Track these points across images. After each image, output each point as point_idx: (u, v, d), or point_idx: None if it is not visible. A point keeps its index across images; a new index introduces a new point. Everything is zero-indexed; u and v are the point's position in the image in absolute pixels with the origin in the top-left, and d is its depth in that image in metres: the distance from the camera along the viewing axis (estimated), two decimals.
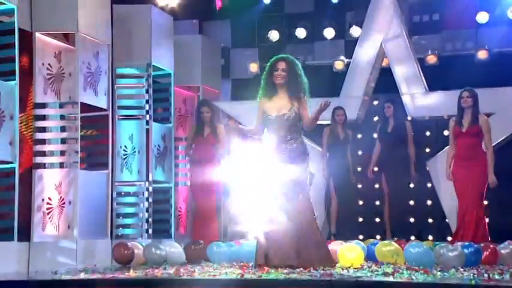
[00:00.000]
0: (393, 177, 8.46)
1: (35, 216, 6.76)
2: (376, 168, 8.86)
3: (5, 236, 6.08)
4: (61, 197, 6.87)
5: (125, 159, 8.01)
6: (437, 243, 6.30)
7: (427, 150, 9.23)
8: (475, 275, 4.66)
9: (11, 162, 6.16)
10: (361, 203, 9.56)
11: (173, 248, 6.18)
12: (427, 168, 8.69)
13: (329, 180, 8.71)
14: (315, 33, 10.27)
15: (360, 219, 9.58)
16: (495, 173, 7.15)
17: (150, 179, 8.02)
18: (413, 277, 4.42)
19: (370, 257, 5.98)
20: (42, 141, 6.94)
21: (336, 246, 5.84)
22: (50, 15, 6.89)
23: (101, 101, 7.32)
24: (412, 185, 8.93)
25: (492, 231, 7.23)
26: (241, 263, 5.64)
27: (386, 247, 5.82)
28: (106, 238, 7.28)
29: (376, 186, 9.40)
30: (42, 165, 6.91)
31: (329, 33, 10.08)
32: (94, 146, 7.56)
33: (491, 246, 5.89)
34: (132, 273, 5.05)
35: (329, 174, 8.71)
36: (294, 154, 5.15)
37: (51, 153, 6.98)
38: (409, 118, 8.77)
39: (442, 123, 8.65)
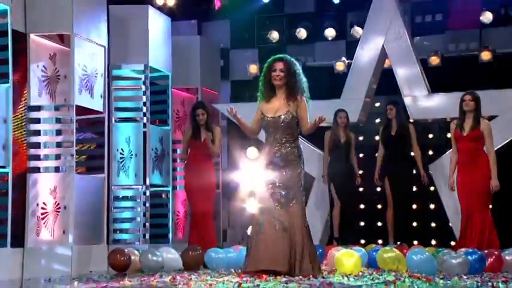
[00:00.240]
0: (396, 181, 8.37)
1: (29, 221, 6.70)
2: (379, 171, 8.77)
3: None
4: (56, 202, 6.81)
5: (121, 162, 7.94)
6: (440, 249, 6.23)
7: (430, 153, 9.17)
8: (479, 283, 4.60)
9: (4, 167, 6.08)
10: (362, 206, 9.50)
11: (170, 254, 6.12)
12: (430, 172, 8.62)
13: (329, 184, 8.63)
14: (315, 34, 10.24)
15: (362, 224, 9.52)
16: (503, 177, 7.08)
17: (147, 182, 7.96)
18: (415, 285, 4.36)
19: (371, 263, 5.91)
20: (37, 145, 6.87)
21: (335, 252, 5.77)
22: (44, 16, 6.83)
23: (96, 103, 7.26)
24: (415, 188, 8.85)
25: (503, 237, 7.12)
26: (240, 270, 5.57)
27: (387, 254, 5.76)
28: (102, 243, 7.20)
29: (378, 189, 9.33)
30: (37, 169, 6.84)
31: (330, 33, 10.04)
32: (90, 149, 7.49)
33: (496, 253, 5.81)
34: (127, 282, 4.99)
35: (330, 178, 8.63)
36: (288, 158, 5.06)
37: (46, 157, 6.91)
38: (411, 120, 8.71)
39: (445, 126, 8.58)
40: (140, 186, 7.95)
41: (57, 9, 6.85)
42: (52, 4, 6.85)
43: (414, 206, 9.07)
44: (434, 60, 9.30)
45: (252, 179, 5.25)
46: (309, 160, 8.84)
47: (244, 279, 4.86)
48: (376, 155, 8.58)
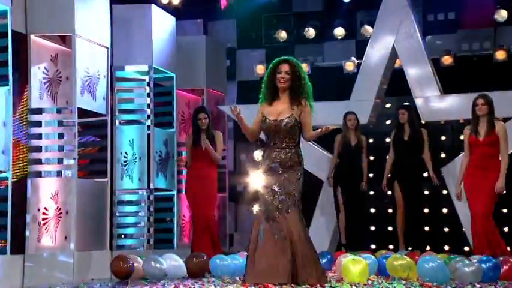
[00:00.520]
0: (407, 185, 8.28)
1: (30, 227, 6.66)
2: (389, 175, 8.70)
3: None
4: (58, 207, 6.76)
5: (125, 166, 7.92)
6: (452, 256, 6.14)
7: (443, 155, 9.08)
8: None
9: (4, 172, 6.05)
10: (373, 210, 9.42)
11: (174, 262, 6.07)
12: (442, 175, 8.53)
13: (336, 187, 8.56)
14: (324, 33, 10.20)
15: (372, 228, 9.44)
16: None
17: (152, 186, 7.92)
18: None
19: (381, 271, 5.84)
20: (38, 149, 6.84)
21: (343, 259, 5.70)
22: (45, 16, 6.79)
23: (99, 106, 7.22)
24: (427, 192, 8.77)
25: None
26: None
27: (398, 261, 5.68)
28: (105, 250, 7.16)
29: (389, 192, 9.25)
30: (38, 174, 6.80)
31: (339, 32, 9.98)
32: (92, 153, 7.45)
33: (511, 260, 5.72)
34: None
35: (337, 181, 8.55)
36: (287, 164, 5.00)
37: (48, 161, 6.88)
38: (422, 122, 8.61)
39: (458, 128, 8.50)
40: (144, 191, 7.90)
41: (58, 10, 6.82)
42: (53, 4, 6.81)
43: (426, 210, 8.98)
44: (447, 60, 9.23)
45: (258, 182, 5.18)
46: (319, 164, 8.84)
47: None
48: (387, 157, 8.49)
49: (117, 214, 7.82)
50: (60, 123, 6.94)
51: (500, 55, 9.00)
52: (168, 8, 9.17)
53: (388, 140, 9.29)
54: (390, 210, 9.37)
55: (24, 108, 6.73)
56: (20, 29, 6.71)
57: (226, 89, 9.87)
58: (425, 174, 8.38)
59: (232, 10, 10.18)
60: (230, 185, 9.63)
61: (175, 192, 8.40)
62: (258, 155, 9.55)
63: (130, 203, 7.96)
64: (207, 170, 7.86)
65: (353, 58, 9.65)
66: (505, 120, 7.73)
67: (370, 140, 9.30)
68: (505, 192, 6.94)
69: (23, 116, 6.72)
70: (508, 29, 9.45)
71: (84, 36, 6.96)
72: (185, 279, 5.93)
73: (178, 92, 8.76)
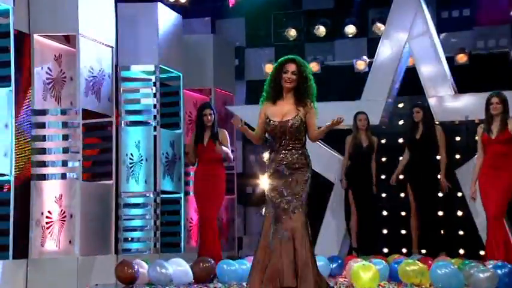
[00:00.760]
0: (421, 187, 8.20)
1: (34, 231, 6.65)
2: (401, 176, 8.63)
3: (0, 254, 5.95)
4: (62, 210, 6.75)
5: (131, 168, 7.89)
6: (466, 261, 6.07)
7: (457, 156, 8.98)
8: None
9: (6, 175, 6.03)
10: (385, 213, 9.35)
11: (179, 267, 6.03)
12: (457, 176, 8.45)
13: (348, 190, 8.49)
14: (335, 31, 10.15)
15: (385, 231, 9.37)
16: None
17: (158, 189, 7.88)
18: None
19: (392, 276, 5.77)
20: (41, 151, 6.82)
21: (353, 264, 5.64)
22: (49, 15, 6.79)
23: (104, 106, 7.19)
24: (440, 194, 8.67)
25: None
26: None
27: (410, 266, 5.62)
28: (110, 254, 7.14)
29: (402, 195, 9.18)
30: (42, 177, 6.79)
31: (350, 30, 9.92)
32: (97, 155, 7.43)
33: None
34: None
35: (348, 184, 8.49)
36: (294, 166, 4.94)
37: (51, 164, 6.86)
38: (436, 122, 8.53)
39: (473, 128, 8.40)
40: (150, 193, 7.88)
41: (62, 8, 6.82)
42: (57, 3, 6.82)
43: (440, 213, 8.87)
44: (462, 58, 9.15)
45: (265, 186, 5.13)
46: (329, 165, 8.79)
47: None
48: (400, 158, 8.41)
49: (123, 217, 7.78)
50: (64, 124, 6.92)
51: None
52: (175, 6, 9.14)
53: (401, 140, 9.21)
54: (403, 213, 9.27)
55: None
56: (23, 28, 6.71)
57: (235, 89, 9.82)
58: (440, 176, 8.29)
59: (241, 8, 10.13)
60: (238, 186, 9.58)
61: (182, 195, 8.36)
62: (266, 156, 9.51)
63: (136, 205, 7.94)
64: (214, 169, 7.72)
65: (364, 57, 9.58)
66: None
67: (383, 141, 9.22)
68: None
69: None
70: None
71: (88, 36, 6.94)
72: (191, 285, 5.88)
73: (186, 92, 8.72)
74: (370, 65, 9.24)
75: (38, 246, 6.66)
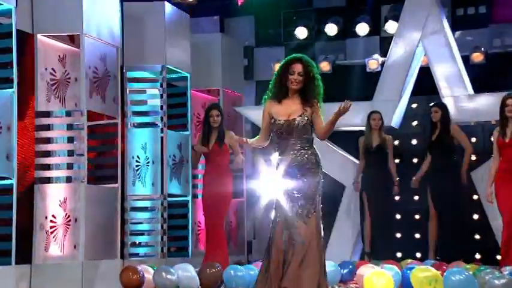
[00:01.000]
0: (435, 190, 8.10)
1: (37, 235, 6.64)
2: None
3: (2, 259, 5.94)
4: (66, 214, 6.74)
5: (137, 170, 7.88)
6: (482, 267, 6.00)
7: (473, 158, 8.90)
8: None
9: (9, 178, 6.03)
10: (399, 217, 9.29)
11: (186, 272, 6.01)
12: (473, 179, 8.37)
13: (362, 192, 8.43)
14: (346, 30, 10.07)
15: (398, 235, 9.30)
16: None
17: (165, 192, 7.86)
18: None
19: (405, 283, 5.71)
20: (45, 154, 6.82)
21: (366, 271, 5.59)
22: (52, 15, 6.78)
23: (109, 108, 7.18)
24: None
25: None
26: None
27: (423, 273, 5.55)
28: (116, 259, 7.12)
29: (416, 197, 9.11)
30: (45, 180, 6.78)
31: (362, 29, 9.85)
32: (102, 157, 7.41)
33: None
34: None
35: (362, 186, 8.42)
36: (305, 166, 4.87)
37: (55, 167, 6.85)
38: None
39: (489, 129, 8.33)
40: (157, 196, 7.85)
41: (66, 8, 6.80)
42: (60, 2, 6.81)
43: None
44: (477, 57, 9.07)
45: (274, 189, 5.07)
46: (341, 168, 8.74)
47: None
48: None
49: (130, 221, 7.77)
50: (69, 126, 6.91)
51: None
52: (182, 5, 9.12)
53: (414, 142, 9.14)
54: (417, 216, 9.22)
55: None
56: (26, 28, 6.71)
57: (244, 89, 9.78)
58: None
59: (250, 6, 10.10)
60: (248, 189, 9.53)
61: (189, 198, 8.33)
62: (275, 157, 9.46)
63: (142, 209, 7.92)
64: (221, 174, 7.66)
65: (377, 56, 9.52)
66: None
67: (396, 142, 9.17)
68: None
69: None
70: None
71: (93, 35, 6.92)
72: None
73: (193, 92, 8.70)
74: (382, 64, 9.18)
75: (42, 251, 6.65)
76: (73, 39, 7.01)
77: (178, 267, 6.13)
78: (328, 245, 8.44)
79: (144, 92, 8.06)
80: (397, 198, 9.01)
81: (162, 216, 7.85)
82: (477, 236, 9.01)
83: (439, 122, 8.09)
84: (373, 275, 5.30)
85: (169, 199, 7.99)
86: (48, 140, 6.88)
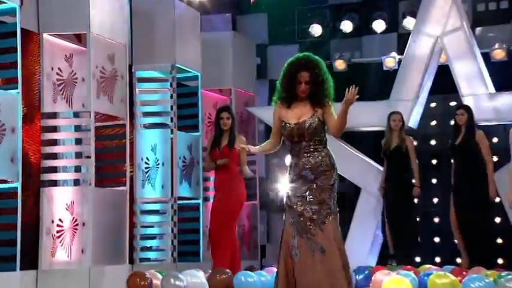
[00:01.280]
0: (458, 195, 7.98)
1: (44, 240, 6.62)
2: (434, 181, 8.46)
3: (7, 265, 5.93)
4: (73, 218, 6.73)
5: (147, 173, 7.86)
6: (503, 274, 5.90)
7: (495, 159, 8.79)
8: None
9: (13, 182, 6.01)
10: (417, 220, 9.19)
11: (195, 279, 5.97)
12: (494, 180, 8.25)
13: (384, 197, 8.32)
14: (362, 27, 10.02)
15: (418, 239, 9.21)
16: None
17: (175, 194, 7.82)
18: None
19: None
20: (51, 156, 6.80)
21: (382, 277, 5.52)
22: (59, 13, 6.76)
23: (117, 109, 7.15)
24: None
25: None
26: None
27: (440, 279, 5.47)
28: (124, 264, 7.09)
29: (435, 200, 9.02)
30: (52, 183, 6.76)
31: (379, 26, 9.79)
32: (110, 159, 7.39)
33: None
34: None
35: (384, 189, 8.33)
36: (319, 169, 4.81)
37: (62, 169, 6.83)
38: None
39: None
40: (167, 199, 7.82)
41: (72, 6, 6.77)
42: (67, 0, 6.76)
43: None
44: (499, 54, 8.97)
45: (286, 192, 5.01)
46: (356, 170, 8.67)
47: None
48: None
49: (139, 225, 7.74)
50: (77, 128, 6.88)
51: None
52: (193, 3, 9.09)
53: (433, 142, 9.05)
54: (437, 220, 9.13)
55: None
56: (31, 27, 6.70)
57: (257, 89, 9.74)
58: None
59: (263, 3, 10.08)
60: (261, 192, 9.48)
61: (200, 201, 8.30)
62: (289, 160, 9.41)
63: (152, 212, 7.89)
64: (231, 178, 7.54)
65: (394, 53, 9.44)
66: None
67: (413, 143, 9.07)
68: None
69: None
70: None
71: (100, 34, 6.89)
72: None
73: (204, 92, 8.68)
74: (400, 62, 9.10)
75: (48, 257, 6.63)
76: (80, 38, 6.99)
77: (187, 273, 6.10)
78: None
79: (153, 92, 8.04)
80: (415, 200, 8.92)
81: (172, 219, 7.82)
82: (499, 240, 8.90)
83: (465, 125, 7.97)
84: (391, 282, 5.22)
85: (180, 202, 7.97)
86: (54, 142, 6.86)
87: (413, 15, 9.25)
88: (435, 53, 8.72)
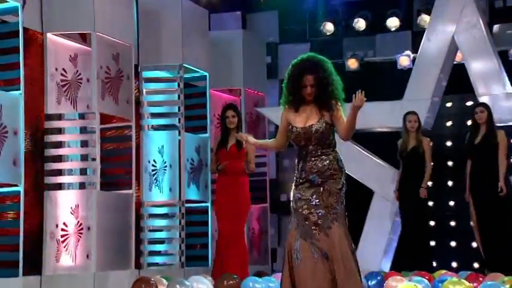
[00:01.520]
0: (477, 198, 7.88)
1: (48, 245, 6.61)
2: (450, 183, 8.38)
3: (9, 271, 5.91)
4: (78, 222, 6.70)
5: (154, 175, 7.82)
6: None
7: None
8: None
9: (16, 185, 5.99)
10: (432, 223, 9.13)
11: (201, 285, 5.94)
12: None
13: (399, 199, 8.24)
14: (376, 24, 10.00)
15: (432, 243, 9.13)
16: None
17: (183, 198, 7.79)
18: None
19: None
20: (55, 159, 6.78)
21: (394, 283, 5.46)
22: (63, 12, 6.74)
23: (122, 110, 7.12)
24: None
25: None
26: None
27: (455, 286, 5.40)
28: (130, 269, 7.06)
29: (451, 203, 8.94)
30: (56, 186, 6.75)
31: (393, 23, 9.80)
32: (116, 162, 7.37)
33: None
34: None
35: (399, 192, 8.24)
36: (326, 173, 4.76)
37: (66, 172, 6.81)
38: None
39: None
40: (175, 202, 7.79)
41: (77, 5, 6.75)
42: None
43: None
44: None
45: (291, 196, 4.97)
46: (369, 172, 8.62)
47: None
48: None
49: (146, 229, 7.72)
50: (83, 130, 6.86)
51: None
52: (202, 1, 9.08)
53: (449, 144, 8.97)
54: (452, 223, 9.05)
55: None
56: (35, 27, 6.68)
57: (267, 89, 9.69)
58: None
59: (274, 0, 10.03)
60: (272, 194, 9.44)
61: (209, 204, 8.26)
62: None
63: (159, 216, 7.86)
64: (235, 178, 7.52)
65: (408, 52, 9.43)
66: None
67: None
68: None
69: None
70: None
71: (105, 33, 6.86)
72: None
73: (213, 92, 8.64)
74: (415, 61, 9.04)
75: (53, 262, 6.61)
76: (85, 38, 6.97)
77: (193, 279, 6.07)
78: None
79: (160, 92, 8.01)
80: (430, 203, 8.84)
81: (180, 223, 7.79)
82: None
83: (485, 123, 7.86)
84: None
85: (188, 205, 7.92)
86: (59, 144, 6.84)
87: (428, 13, 9.21)
88: (451, 51, 8.66)
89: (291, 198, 4.85)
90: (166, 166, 7.85)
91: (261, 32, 10.14)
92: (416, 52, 9.04)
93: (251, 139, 5.05)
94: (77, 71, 6.92)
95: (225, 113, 7.60)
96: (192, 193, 8.03)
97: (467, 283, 5.48)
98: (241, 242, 7.49)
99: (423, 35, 8.94)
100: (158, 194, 7.83)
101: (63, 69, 6.86)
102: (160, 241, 7.83)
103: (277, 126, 9.27)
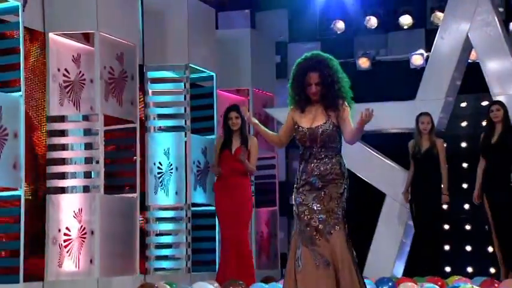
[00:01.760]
0: (493, 198, 7.77)
1: (50, 250, 6.58)
2: (465, 185, 8.29)
3: (9, 277, 5.88)
4: (82, 226, 6.68)
5: (159, 178, 7.79)
6: None
7: None
8: None
9: (16, 189, 5.97)
10: (447, 227, 9.04)
11: None
12: None
13: (411, 205, 8.14)
14: (388, 22, 9.96)
15: (447, 248, 9.06)
16: None
17: (189, 201, 7.75)
18: None
19: None
20: (58, 161, 6.75)
21: None
22: (65, 12, 6.72)
23: (126, 111, 7.09)
24: None
25: None
26: None
27: None
28: (135, 274, 7.03)
29: (466, 206, 8.85)
30: (59, 190, 6.72)
31: (406, 21, 9.75)
32: (120, 165, 7.34)
33: None
34: None
35: (411, 197, 8.15)
36: (328, 177, 4.70)
37: (69, 176, 6.78)
38: None
39: None
40: (181, 205, 7.75)
41: (79, 4, 6.74)
42: None
43: None
44: None
45: (292, 200, 4.92)
46: (380, 174, 8.55)
47: None
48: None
49: (151, 233, 7.68)
50: (86, 132, 6.83)
51: None
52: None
53: (464, 145, 8.87)
54: (468, 227, 8.96)
55: None
56: (37, 26, 6.67)
57: (276, 89, 9.64)
58: None
59: None
60: (281, 197, 9.39)
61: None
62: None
63: (165, 220, 7.84)
64: (238, 176, 7.47)
65: (421, 50, 9.37)
66: None
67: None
68: None
69: None
70: None
71: (109, 33, 6.84)
72: None
73: (220, 93, 8.60)
74: (428, 59, 8.98)
75: (55, 267, 6.58)
76: (88, 38, 6.95)
77: (198, 285, 6.01)
78: (366, 260, 8.24)
79: (166, 93, 7.98)
80: (445, 207, 8.74)
81: (186, 227, 7.75)
82: None
83: (501, 122, 7.76)
84: None
85: (194, 209, 7.89)
86: (61, 147, 6.81)
87: (442, 10, 9.15)
88: (465, 50, 8.59)
89: (293, 202, 4.80)
90: (172, 168, 7.83)
91: (271, 30, 10.12)
92: (430, 51, 8.99)
93: (253, 119, 4.97)
94: (80, 71, 6.90)
95: (227, 115, 7.55)
96: (198, 196, 7.99)
97: None
98: (244, 246, 7.41)
99: (437, 33, 8.88)
100: (164, 197, 7.80)
101: (66, 70, 6.83)
102: (167, 245, 7.80)
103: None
